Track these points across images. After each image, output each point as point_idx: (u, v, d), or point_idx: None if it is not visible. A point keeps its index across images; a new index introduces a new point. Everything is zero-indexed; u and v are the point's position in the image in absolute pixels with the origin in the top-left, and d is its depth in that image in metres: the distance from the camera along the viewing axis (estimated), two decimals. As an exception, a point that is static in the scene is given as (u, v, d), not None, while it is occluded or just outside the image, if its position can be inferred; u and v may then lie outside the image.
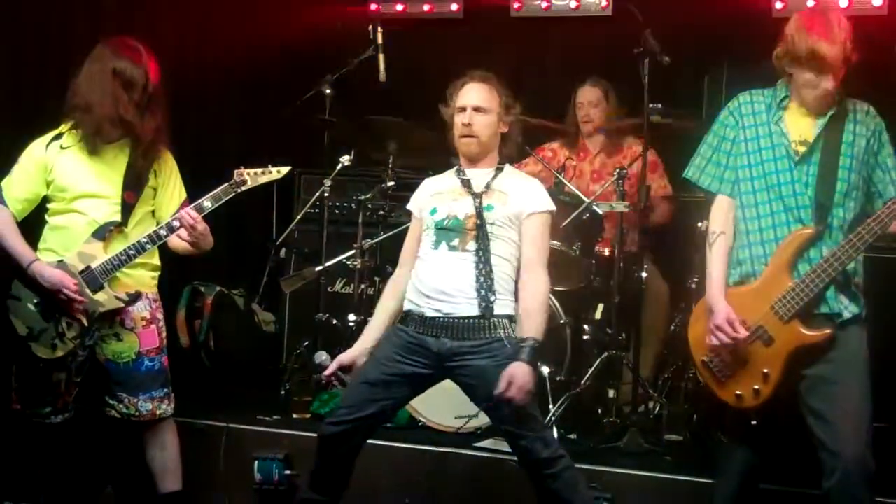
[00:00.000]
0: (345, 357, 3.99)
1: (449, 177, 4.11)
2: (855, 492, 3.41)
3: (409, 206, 4.20)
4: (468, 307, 3.83)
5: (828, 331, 3.53)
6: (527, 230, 3.93)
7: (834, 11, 3.62)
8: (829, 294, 3.55)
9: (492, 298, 3.83)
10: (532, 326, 3.78)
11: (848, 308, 3.56)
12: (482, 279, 3.83)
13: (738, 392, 3.66)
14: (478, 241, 3.86)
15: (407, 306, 3.97)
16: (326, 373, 3.98)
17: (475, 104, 3.98)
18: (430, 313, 3.87)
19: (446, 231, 3.92)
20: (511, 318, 3.87)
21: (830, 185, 3.57)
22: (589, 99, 5.93)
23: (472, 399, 3.97)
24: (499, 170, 4.04)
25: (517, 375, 3.66)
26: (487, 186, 3.97)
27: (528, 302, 3.84)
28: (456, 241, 3.89)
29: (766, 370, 3.59)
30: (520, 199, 3.94)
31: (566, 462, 3.84)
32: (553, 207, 4.02)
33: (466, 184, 4.00)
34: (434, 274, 3.89)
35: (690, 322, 3.87)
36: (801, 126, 3.65)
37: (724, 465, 3.86)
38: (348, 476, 3.96)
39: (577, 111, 5.98)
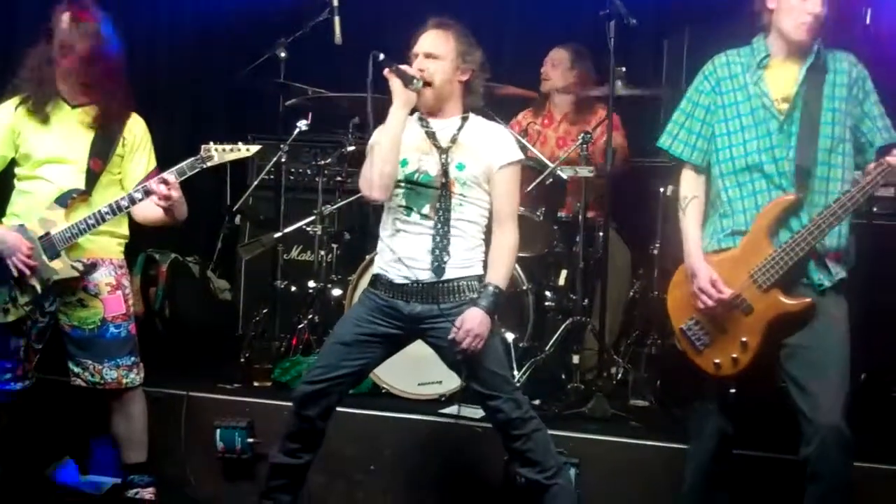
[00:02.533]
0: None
1: (411, 125, 3.92)
2: (832, 459, 3.40)
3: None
4: (437, 272, 3.79)
5: (808, 299, 3.50)
6: (498, 183, 3.85)
7: None
8: (808, 264, 3.51)
9: (461, 262, 3.81)
10: (495, 274, 3.79)
11: (828, 277, 3.53)
12: (447, 245, 3.79)
13: (716, 360, 3.63)
14: (444, 201, 3.80)
15: (376, 270, 3.93)
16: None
17: (427, 51, 3.86)
18: (398, 280, 3.84)
19: (416, 190, 3.83)
20: (481, 279, 3.84)
21: (812, 144, 3.52)
22: (552, 58, 5.89)
23: (443, 360, 3.94)
24: (464, 119, 3.93)
25: (466, 319, 3.70)
26: (454, 140, 3.87)
27: (496, 253, 3.83)
28: (427, 209, 3.81)
29: (744, 339, 3.57)
30: (489, 152, 3.85)
31: (537, 423, 3.85)
32: (522, 156, 3.96)
33: (432, 136, 3.89)
34: (404, 242, 3.84)
35: (669, 288, 3.83)
36: (781, 82, 3.59)
37: (697, 430, 3.83)
38: (321, 438, 3.94)
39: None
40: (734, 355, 3.59)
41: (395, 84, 3.78)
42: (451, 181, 3.82)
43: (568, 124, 5.88)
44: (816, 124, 3.52)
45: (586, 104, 5.81)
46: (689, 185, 3.78)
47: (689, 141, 3.76)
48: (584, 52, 5.86)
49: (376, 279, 3.92)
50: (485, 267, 3.87)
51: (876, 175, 3.40)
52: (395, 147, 3.79)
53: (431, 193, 3.82)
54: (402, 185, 3.86)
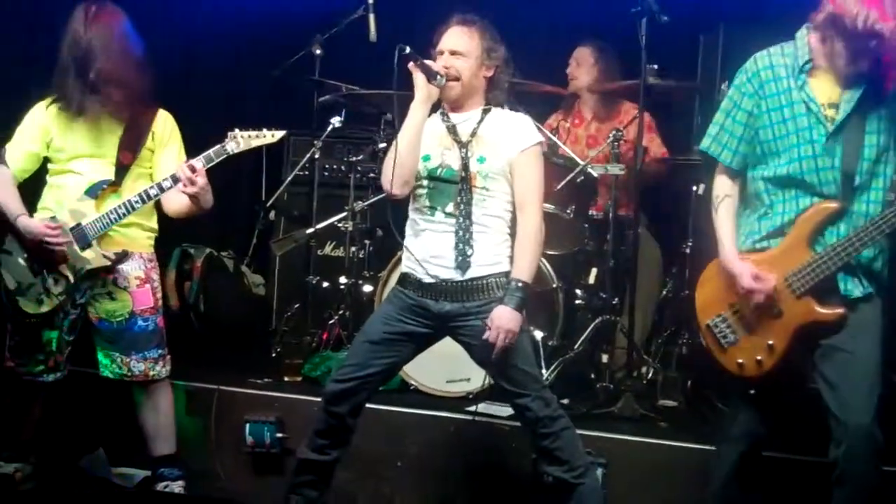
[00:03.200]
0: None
1: (434, 121, 3.94)
2: (861, 461, 3.35)
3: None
4: (462, 267, 3.80)
5: (841, 310, 3.42)
6: (517, 168, 3.84)
7: None
8: (843, 275, 3.44)
9: (488, 259, 3.81)
10: (520, 267, 3.78)
11: (858, 288, 3.45)
12: (470, 239, 3.79)
13: (739, 360, 3.58)
14: (466, 196, 3.80)
15: (404, 269, 3.94)
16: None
17: (451, 48, 3.88)
18: (427, 279, 3.84)
19: (439, 188, 3.84)
20: (509, 276, 3.82)
21: (857, 154, 3.41)
22: (576, 58, 5.91)
23: (472, 357, 3.94)
24: (485, 112, 3.93)
25: (495, 317, 3.70)
26: (474, 133, 3.87)
27: (519, 244, 3.82)
28: (451, 207, 3.81)
29: (771, 342, 3.51)
30: (508, 141, 3.84)
31: (565, 422, 3.86)
32: (542, 138, 3.95)
33: (453, 131, 3.90)
34: (430, 241, 3.85)
35: (698, 284, 3.77)
36: (828, 87, 3.45)
37: (726, 432, 3.79)
38: (350, 435, 3.96)
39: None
40: (759, 357, 3.54)
41: (419, 78, 3.79)
42: (473, 175, 3.82)
43: (598, 123, 5.86)
44: (862, 133, 3.41)
45: (613, 101, 5.80)
46: (723, 186, 3.69)
47: (729, 144, 3.64)
48: (607, 47, 5.85)
49: (405, 278, 3.93)
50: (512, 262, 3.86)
51: None
52: (415, 142, 3.81)
53: (454, 189, 3.82)
54: (426, 182, 3.87)
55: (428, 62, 3.81)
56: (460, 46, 3.88)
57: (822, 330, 3.46)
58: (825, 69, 3.46)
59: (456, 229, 3.80)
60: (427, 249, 3.84)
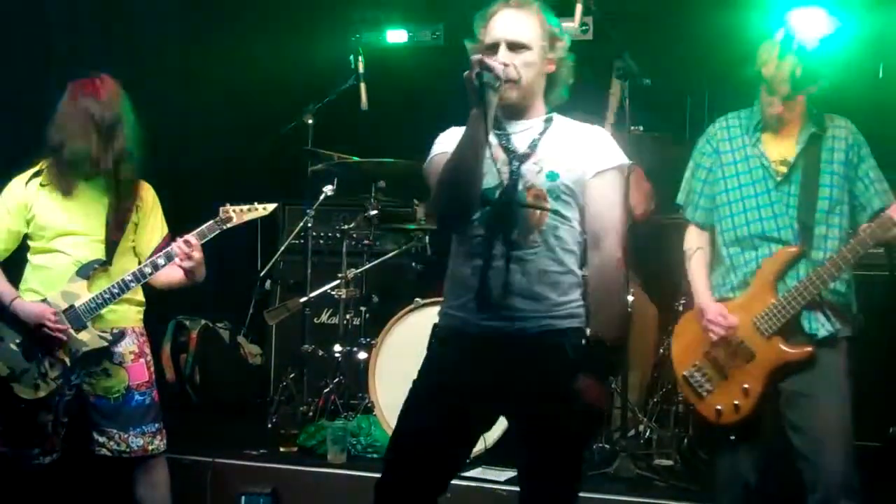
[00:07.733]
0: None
1: None
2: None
3: (436, 153, 3.19)
4: (530, 316, 3.00)
5: (808, 348, 3.56)
6: (593, 192, 3.06)
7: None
8: (807, 314, 3.57)
9: (559, 307, 3.02)
10: (601, 321, 3.01)
11: (825, 326, 3.57)
12: (539, 279, 3.00)
13: (717, 407, 3.69)
14: (533, 220, 3.01)
15: (449, 315, 3.16)
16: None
17: (510, 39, 3.04)
18: (477, 330, 3.05)
19: (496, 212, 3.03)
20: (578, 317, 3.07)
21: (811, 204, 3.61)
22: None
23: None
24: (548, 122, 3.15)
25: (585, 391, 2.94)
26: (534, 146, 3.09)
27: (598, 291, 3.04)
28: (515, 234, 3.01)
29: (746, 385, 3.64)
30: (584, 159, 3.07)
31: None
32: (628, 161, 3.14)
33: (509, 143, 3.10)
34: (487, 280, 3.01)
35: (673, 337, 3.94)
36: (780, 146, 3.70)
37: (721, 485, 3.83)
38: None
39: None
40: (736, 402, 3.65)
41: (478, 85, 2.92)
42: (541, 193, 3.03)
43: None
44: (815, 186, 3.62)
45: None
46: (693, 239, 3.94)
47: (692, 201, 3.92)
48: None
49: (445, 330, 3.16)
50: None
51: (874, 229, 3.48)
52: (478, 164, 2.96)
53: (519, 213, 3.03)
54: (480, 207, 3.06)
55: (488, 62, 2.92)
56: (520, 36, 3.05)
57: (789, 372, 3.58)
58: (778, 127, 3.70)
59: (522, 266, 3.00)
60: (486, 290, 3.01)
